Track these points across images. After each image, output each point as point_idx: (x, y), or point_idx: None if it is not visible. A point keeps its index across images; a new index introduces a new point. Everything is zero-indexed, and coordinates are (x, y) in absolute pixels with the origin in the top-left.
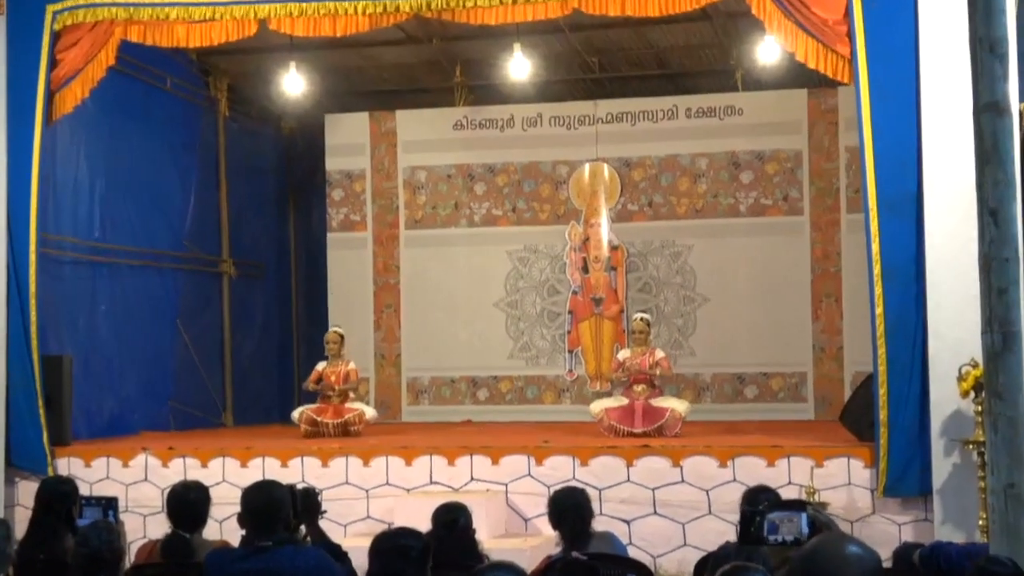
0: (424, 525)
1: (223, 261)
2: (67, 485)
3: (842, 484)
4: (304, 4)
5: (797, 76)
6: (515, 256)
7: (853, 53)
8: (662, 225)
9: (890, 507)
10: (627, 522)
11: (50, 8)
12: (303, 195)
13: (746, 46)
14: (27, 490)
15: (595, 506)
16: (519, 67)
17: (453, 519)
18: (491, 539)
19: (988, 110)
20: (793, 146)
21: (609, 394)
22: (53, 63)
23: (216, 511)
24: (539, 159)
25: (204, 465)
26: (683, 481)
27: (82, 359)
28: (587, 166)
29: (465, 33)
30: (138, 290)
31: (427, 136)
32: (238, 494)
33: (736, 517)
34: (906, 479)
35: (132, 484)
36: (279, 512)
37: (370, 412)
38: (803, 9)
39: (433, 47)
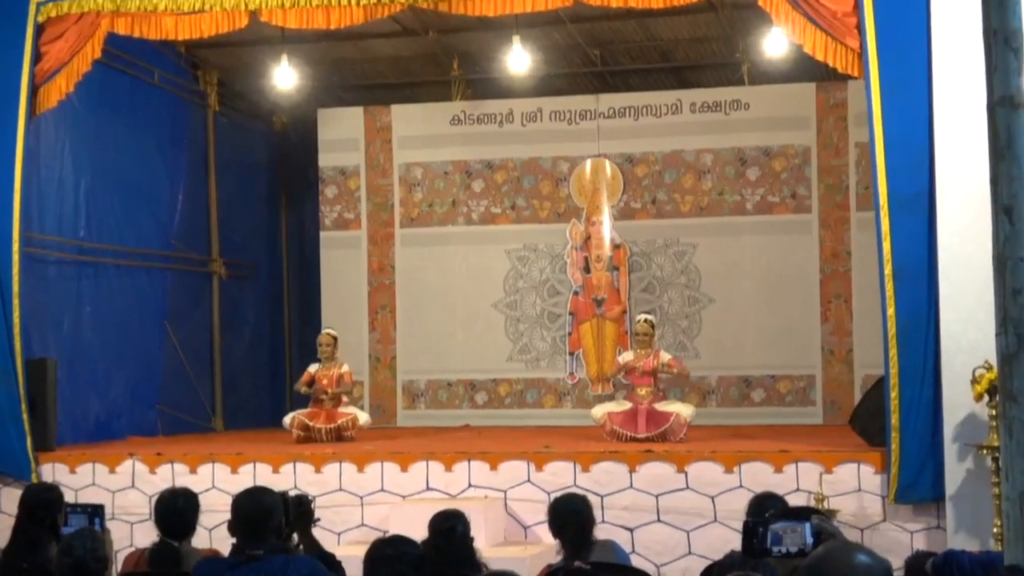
0: (420, 533)
1: (212, 261)
2: (52, 492)
3: (852, 490)
4: None
5: (805, 69)
6: (514, 255)
7: (863, 46)
8: (666, 223)
9: (901, 514)
10: (630, 530)
11: None
12: (295, 192)
13: (753, 38)
14: (10, 497)
15: (597, 513)
16: (518, 60)
17: (450, 527)
18: (490, 547)
19: (1002, 104)
20: (801, 142)
21: (611, 398)
22: (37, 56)
23: (205, 519)
24: (539, 155)
25: (193, 471)
26: (688, 488)
27: (67, 362)
28: (589, 162)
29: (463, 25)
30: (125, 291)
31: (423, 131)
32: (228, 501)
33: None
34: (918, 485)
35: (119, 491)
36: (270, 520)
37: (364, 417)
38: (812, 0)
39: (430, 39)
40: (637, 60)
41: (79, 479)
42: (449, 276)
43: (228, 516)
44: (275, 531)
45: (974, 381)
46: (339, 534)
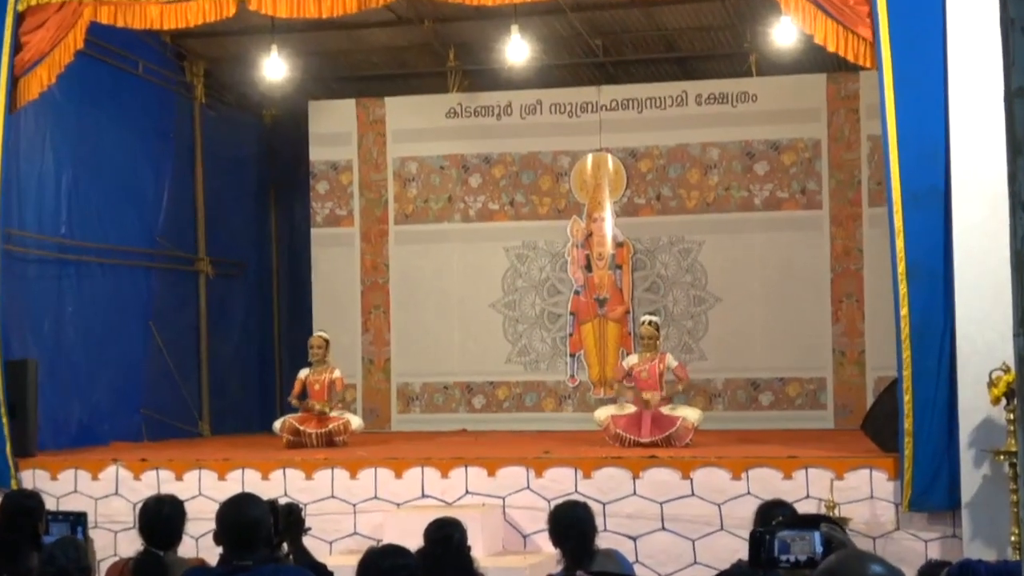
0: (415, 542)
1: (199, 259)
2: (32, 499)
3: (864, 498)
4: None
5: (815, 60)
6: (513, 253)
7: (876, 35)
8: (670, 220)
9: (916, 522)
10: (633, 539)
11: None
12: (285, 188)
13: (761, 28)
14: None
15: (599, 521)
16: (517, 50)
17: (447, 536)
18: (487, 557)
19: (1020, 96)
20: (811, 135)
21: (614, 401)
22: (17, 47)
23: (192, 527)
24: (539, 149)
25: (179, 478)
26: (693, 495)
27: (48, 364)
28: (590, 157)
29: (459, 14)
30: (108, 290)
31: (418, 124)
32: (215, 509)
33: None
34: (933, 492)
35: (102, 498)
36: (258, 530)
37: (357, 421)
38: None
39: (425, 29)
40: (641, 50)
41: (61, 486)
42: (445, 275)
43: (215, 525)
44: (264, 541)
45: (991, 384)
46: (331, 543)
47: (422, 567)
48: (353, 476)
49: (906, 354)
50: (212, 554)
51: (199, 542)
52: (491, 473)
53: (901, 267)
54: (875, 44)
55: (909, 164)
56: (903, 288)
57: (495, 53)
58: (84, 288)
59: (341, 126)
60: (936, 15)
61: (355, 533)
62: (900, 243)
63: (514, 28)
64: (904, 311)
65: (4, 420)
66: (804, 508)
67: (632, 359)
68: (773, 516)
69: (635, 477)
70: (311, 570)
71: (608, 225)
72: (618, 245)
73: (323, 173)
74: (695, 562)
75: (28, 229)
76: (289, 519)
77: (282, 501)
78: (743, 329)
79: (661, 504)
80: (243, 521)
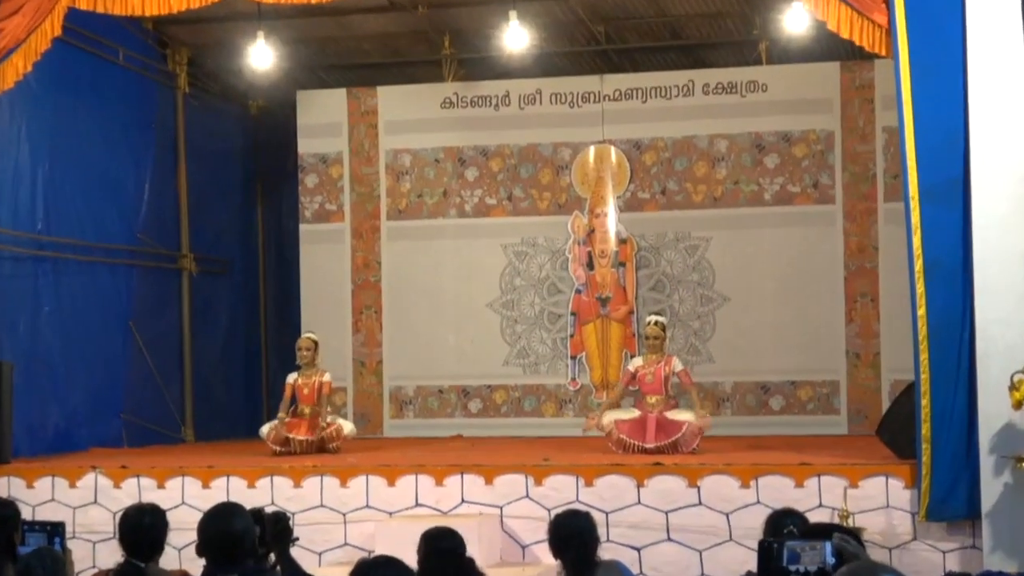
0: (409, 553)
1: (182, 256)
2: (7, 508)
3: (880, 507)
4: None
5: (828, 48)
6: (511, 250)
7: (891, 22)
8: (676, 215)
9: (933, 532)
10: (637, 549)
11: None
12: (272, 182)
13: (771, 14)
14: None
15: (601, 531)
16: (516, 37)
17: (443, 547)
18: (485, 568)
19: None
20: (824, 126)
21: (617, 405)
22: None
23: (174, 537)
24: (538, 141)
25: (161, 486)
26: (700, 503)
27: (23, 367)
28: (592, 149)
29: None
30: (86, 289)
31: (412, 115)
32: (199, 518)
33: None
34: (951, 501)
35: (80, 507)
36: (242, 542)
37: (349, 427)
38: None
39: (419, 15)
40: (645, 37)
41: (37, 494)
42: (440, 273)
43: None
44: (249, 553)
45: (1012, 387)
46: (320, 554)
47: None
48: (343, 484)
49: (923, 356)
50: (195, 566)
51: (182, 553)
52: (488, 481)
53: (918, 264)
54: (891, 31)
55: (927, 156)
56: (920, 286)
57: (492, 40)
58: (61, 287)
59: (331, 117)
60: (955, 0)
61: (345, 544)
62: (917, 239)
63: (512, 14)
64: (921, 311)
65: None
66: (816, 517)
67: (637, 361)
68: (784, 526)
69: (639, 485)
70: None
71: (611, 221)
72: (621, 242)
73: (312, 166)
74: (702, 574)
75: (2, 225)
76: (276, 529)
77: (269, 510)
78: (752, 330)
79: (667, 513)
80: (227, 533)
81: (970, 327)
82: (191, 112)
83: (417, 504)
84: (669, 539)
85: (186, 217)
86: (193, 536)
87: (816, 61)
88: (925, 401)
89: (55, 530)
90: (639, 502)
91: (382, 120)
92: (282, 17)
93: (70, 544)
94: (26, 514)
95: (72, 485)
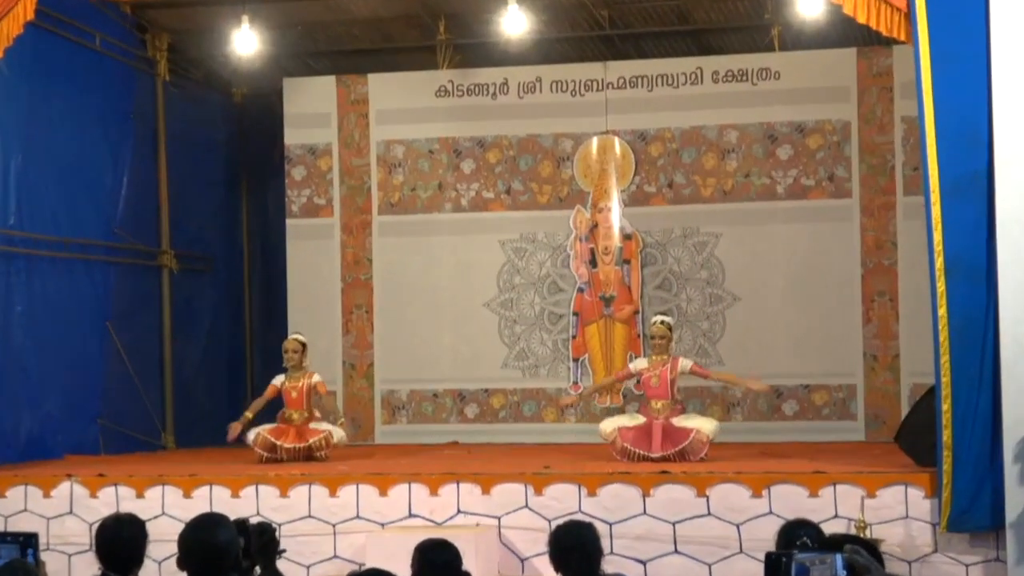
0: (402, 567)
1: (162, 253)
2: None
3: (898, 517)
4: None
5: (844, 33)
6: (510, 247)
7: (911, 5)
8: (684, 210)
9: (955, 544)
10: (643, 562)
11: None
12: (258, 174)
13: None
14: None
15: (605, 544)
16: (514, 22)
17: (438, 560)
18: None
19: None
20: (840, 116)
21: (621, 410)
22: None
23: (154, 550)
24: (538, 132)
25: (140, 495)
26: (709, 514)
27: None
28: (595, 140)
29: None
30: (61, 288)
31: (405, 104)
32: (180, 530)
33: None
34: (974, 511)
35: (55, 518)
36: (225, 555)
37: (339, 434)
38: None
39: None
40: (651, 22)
41: (9, 504)
42: (435, 271)
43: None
44: (232, 566)
45: None
46: (308, 567)
47: None
48: (333, 493)
49: (944, 358)
50: None
51: (162, 566)
52: (485, 490)
53: (939, 262)
54: (910, 15)
55: (948, 148)
56: (941, 285)
57: (490, 25)
58: (35, 285)
59: (319, 106)
60: None
61: (335, 556)
62: (938, 235)
63: None
64: (942, 311)
65: None
66: (832, 529)
67: (641, 363)
68: (797, 537)
69: (645, 495)
70: None
71: (615, 216)
72: (626, 238)
73: (299, 158)
74: None
75: None
76: (262, 541)
77: (254, 521)
78: (764, 331)
79: (674, 524)
80: (210, 545)
81: (994, 327)
82: (172, 101)
83: (410, 515)
84: (676, 551)
85: (166, 212)
86: (174, 548)
87: (831, 47)
88: (946, 406)
89: (28, 542)
90: (645, 512)
91: (373, 109)
92: (268, 0)
93: (44, 556)
94: None
95: (46, 494)
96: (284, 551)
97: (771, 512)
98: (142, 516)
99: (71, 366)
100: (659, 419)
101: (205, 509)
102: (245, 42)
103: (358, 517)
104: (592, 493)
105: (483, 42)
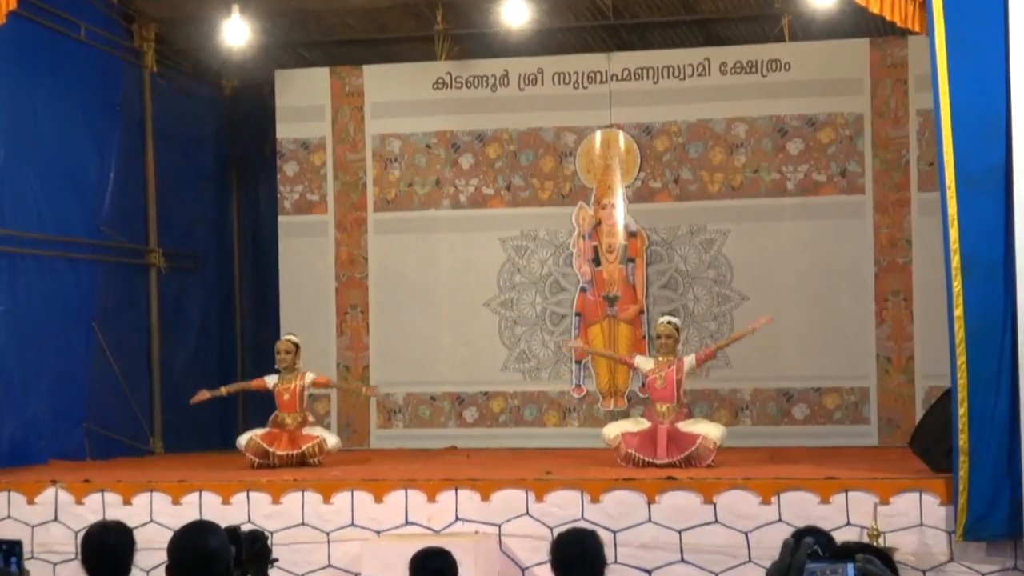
0: None
1: (150, 251)
2: None
3: (913, 525)
4: None
5: (857, 23)
6: (510, 245)
7: None
8: (691, 206)
9: (972, 553)
10: (648, 572)
11: None
12: (249, 169)
13: None
14: None
15: (609, 552)
16: (515, 12)
17: (435, 568)
18: None
19: None
20: (852, 109)
21: (626, 414)
22: None
23: (142, 558)
24: (540, 125)
25: (127, 502)
26: (717, 521)
27: None
28: (598, 134)
29: None
30: (46, 287)
31: (401, 97)
32: (169, 537)
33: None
34: (991, 519)
35: (39, 525)
36: (216, 564)
37: (334, 440)
38: None
39: None
40: (657, 11)
41: None
42: (432, 269)
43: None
44: (223, 575)
45: None
46: None
47: None
48: (327, 500)
49: (961, 360)
50: None
51: (150, 575)
52: (485, 497)
53: (955, 260)
54: (926, 4)
55: (964, 142)
56: (957, 284)
57: (490, 15)
58: (18, 285)
59: (312, 99)
60: None
61: (329, 565)
62: (954, 232)
63: None
64: (958, 310)
65: None
66: (843, 537)
67: (647, 363)
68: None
69: (650, 501)
70: None
71: (619, 212)
72: (631, 235)
73: (292, 152)
74: None
75: None
76: (253, 549)
77: (245, 528)
78: (773, 332)
79: (680, 532)
80: (199, 553)
81: (1012, 328)
82: (160, 93)
83: (407, 522)
84: (683, 560)
85: (154, 208)
86: (162, 557)
87: (844, 37)
88: (963, 409)
89: (11, 549)
90: (650, 520)
91: (368, 102)
92: None
93: (28, 565)
94: None
95: (30, 501)
96: (277, 560)
97: (780, 519)
98: (129, 523)
99: (56, 368)
100: (664, 423)
101: (195, 516)
102: (235, 32)
103: (353, 524)
104: (595, 500)
105: (483, 32)
